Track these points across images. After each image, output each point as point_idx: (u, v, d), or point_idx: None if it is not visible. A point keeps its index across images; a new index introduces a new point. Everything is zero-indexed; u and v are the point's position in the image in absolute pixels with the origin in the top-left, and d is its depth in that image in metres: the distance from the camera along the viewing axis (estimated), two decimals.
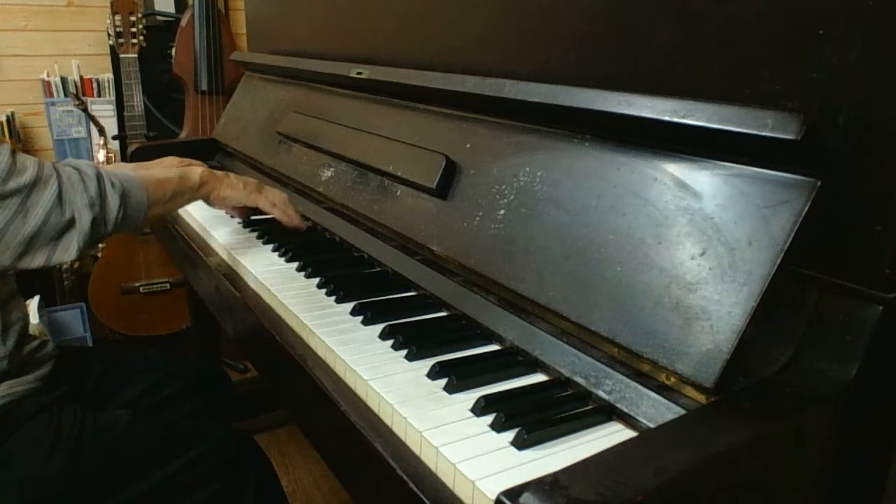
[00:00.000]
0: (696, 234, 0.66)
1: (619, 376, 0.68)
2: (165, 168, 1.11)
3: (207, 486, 1.01)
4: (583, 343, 0.73)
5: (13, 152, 0.89)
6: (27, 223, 0.88)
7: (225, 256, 1.19)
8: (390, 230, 1.06)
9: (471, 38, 1.07)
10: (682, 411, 0.62)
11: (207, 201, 1.19)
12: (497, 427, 0.65)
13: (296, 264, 1.08)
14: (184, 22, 2.47)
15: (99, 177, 0.96)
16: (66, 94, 2.46)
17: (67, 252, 0.92)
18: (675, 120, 0.67)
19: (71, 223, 0.92)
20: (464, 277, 0.91)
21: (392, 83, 1.17)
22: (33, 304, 2.08)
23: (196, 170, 1.15)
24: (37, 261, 0.91)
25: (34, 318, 2.02)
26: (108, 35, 2.36)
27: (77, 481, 0.95)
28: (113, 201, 0.96)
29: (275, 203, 1.21)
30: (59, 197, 0.91)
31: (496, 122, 0.95)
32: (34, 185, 0.89)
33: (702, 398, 0.62)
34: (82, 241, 0.93)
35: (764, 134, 0.60)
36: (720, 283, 0.63)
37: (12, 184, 0.87)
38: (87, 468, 0.96)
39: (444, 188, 0.96)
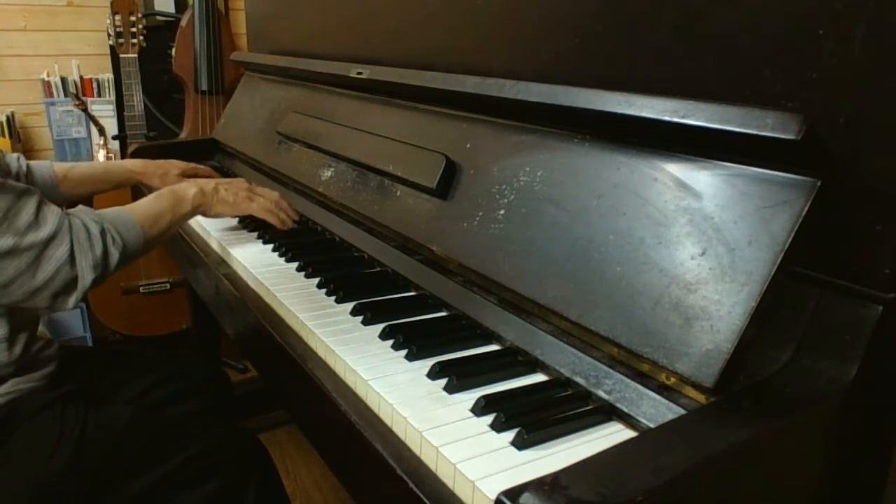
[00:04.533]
0: (696, 234, 0.66)
1: (619, 376, 0.68)
2: (159, 199, 1.11)
3: (209, 482, 1.02)
4: (583, 343, 0.73)
5: (39, 205, 0.90)
6: (36, 277, 0.89)
7: (225, 256, 1.19)
8: (390, 230, 1.06)
9: (471, 37, 1.07)
10: (682, 411, 0.62)
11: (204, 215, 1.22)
12: (497, 427, 0.65)
13: (296, 264, 1.08)
14: (184, 22, 2.47)
15: (103, 234, 0.96)
16: (66, 94, 2.46)
17: (66, 304, 0.94)
18: (675, 120, 0.67)
19: (75, 281, 0.93)
20: (464, 277, 0.91)
21: (392, 83, 1.16)
22: None
23: (188, 193, 1.15)
24: (34, 306, 0.93)
25: None
26: (108, 35, 2.36)
27: (80, 477, 0.96)
28: (113, 259, 0.97)
29: (270, 209, 1.23)
30: (71, 256, 0.91)
31: (496, 122, 0.95)
32: (50, 240, 0.90)
33: (702, 398, 0.62)
34: (81, 296, 0.94)
35: (764, 134, 0.60)
36: (720, 283, 0.63)
37: (30, 237, 0.88)
38: (90, 464, 0.97)
39: (445, 188, 0.96)
